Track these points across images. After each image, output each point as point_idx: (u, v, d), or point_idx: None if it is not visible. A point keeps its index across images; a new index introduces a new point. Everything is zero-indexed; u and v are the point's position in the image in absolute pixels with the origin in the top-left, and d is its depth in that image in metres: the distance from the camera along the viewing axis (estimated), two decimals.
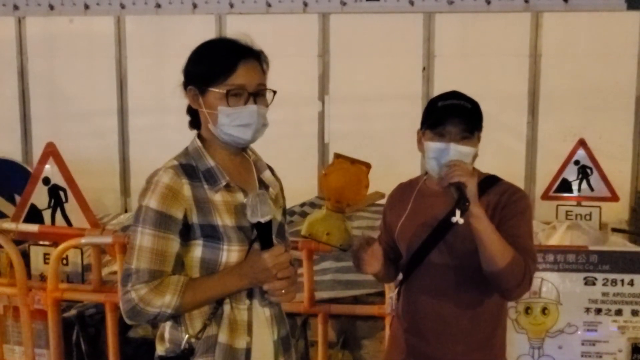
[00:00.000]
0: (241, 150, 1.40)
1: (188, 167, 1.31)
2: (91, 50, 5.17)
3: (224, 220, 1.30)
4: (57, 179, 2.98)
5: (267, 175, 1.43)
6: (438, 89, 4.67)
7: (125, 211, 5.16)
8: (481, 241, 1.37)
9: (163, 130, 5.04)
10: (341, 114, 4.97)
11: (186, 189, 1.28)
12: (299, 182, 4.53)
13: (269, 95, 1.36)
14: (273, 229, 1.34)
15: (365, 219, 3.52)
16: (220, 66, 1.30)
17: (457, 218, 1.33)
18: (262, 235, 1.30)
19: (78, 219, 2.96)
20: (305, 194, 4.44)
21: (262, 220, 1.29)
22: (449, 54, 4.79)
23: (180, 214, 1.27)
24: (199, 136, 1.37)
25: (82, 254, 2.94)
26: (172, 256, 1.27)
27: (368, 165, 1.51)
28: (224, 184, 1.32)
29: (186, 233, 1.28)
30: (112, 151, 5.22)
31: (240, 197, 1.33)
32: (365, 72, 4.90)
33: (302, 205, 4.34)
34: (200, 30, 4.89)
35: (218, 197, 1.31)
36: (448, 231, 1.48)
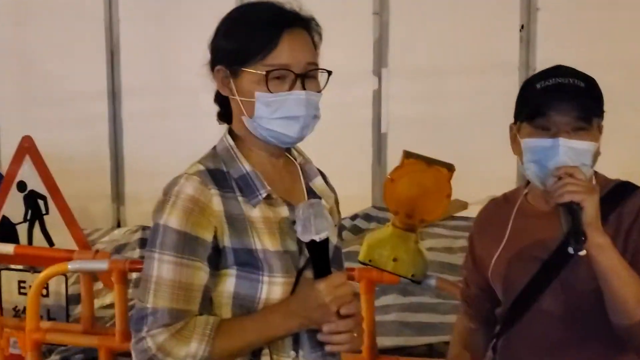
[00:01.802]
0: (285, 150, 1.41)
1: (217, 174, 1.32)
2: (73, 13, 5.32)
3: (264, 242, 1.30)
4: (35, 183, 3.09)
5: (318, 183, 1.44)
6: (542, 58, 4.56)
7: (119, 225, 5.30)
8: (607, 282, 1.32)
9: (168, 117, 5.16)
10: (404, 94, 4.95)
11: (216, 202, 1.29)
12: (348, 187, 4.47)
13: (321, 77, 1.35)
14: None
15: (441, 238, 3.49)
16: (257, 39, 1.31)
17: (576, 248, 1.28)
18: (316, 259, 1.29)
19: (61, 236, 3.06)
20: (357, 203, 4.44)
21: (317, 238, 1.28)
22: (557, 5, 4.67)
23: (209, 234, 1.28)
24: (230, 132, 1.38)
25: (66, 281, 3.04)
26: (199, 290, 1.28)
27: (451, 168, 1.50)
28: (264, 195, 1.33)
29: (216, 260, 1.29)
30: (102, 145, 5.36)
31: (284, 211, 1.34)
32: (437, 36, 4.86)
33: (354, 217, 4.34)
34: None
35: (256, 213, 1.32)
36: (564, 266, 1.40)
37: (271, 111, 1.32)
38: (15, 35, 5.39)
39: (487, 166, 4.49)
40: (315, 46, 1.36)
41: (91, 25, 5.28)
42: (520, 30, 4.69)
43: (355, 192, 4.40)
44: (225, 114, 1.40)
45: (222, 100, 1.39)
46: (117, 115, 5.35)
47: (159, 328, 1.25)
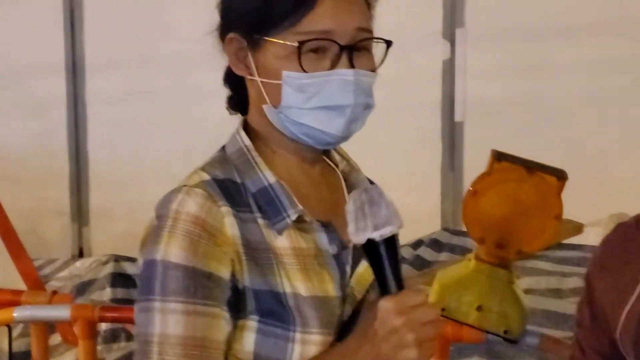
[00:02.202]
0: (323, 154, 1.44)
1: (229, 186, 1.35)
2: None
3: (295, 284, 1.33)
4: None
5: None
6: None
7: (81, 253, 5.38)
8: None
9: (147, 101, 5.23)
10: (487, 65, 4.94)
11: (229, 224, 1.31)
12: (408, 201, 4.47)
13: (377, 49, 1.37)
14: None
15: (545, 275, 3.48)
16: None
17: None
18: (378, 268, 1.29)
19: (3, 270, 3.13)
20: (421, 225, 4.45)
21: (377, 236, 1.27)
22: None
23: (226, 269, 1.31)
24: (245, 128, 1.41)
25: (9, 334, 3.10)
26: (219, 348, 1.30)
27: (561, 176, 1.50)
28: (294, 217, 1.35)
29: (235, 305, 1.31)
30: (57, 140, 5.45)
31: (321, 240, 1.37)
32: None
33: (417, 245, 4.33)
34: None
35: (283, 242, 1.34)
36: None
37: (305, 98, 1.34)
38: None
39: (611, 170, 4.47)
40: (369, 6, 1.38)
41: None
42: None
43: (418, 209, 4.40)
44: (238, 101, 1.43)
45: (234, 82, 1.42)
46: (79, 97, 5.44)
47: None
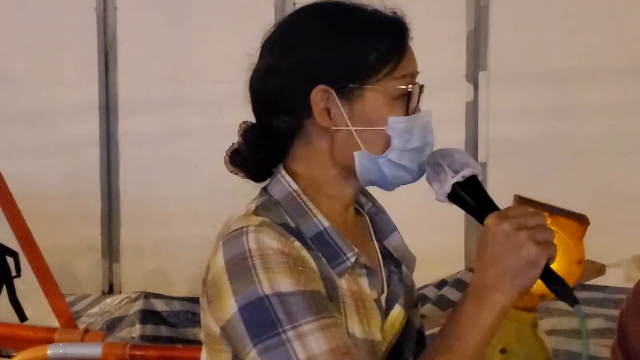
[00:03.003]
0: (356, 198, 1.48)
1: (288, 229, 1.36)
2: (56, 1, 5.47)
3: (352, 325, 1.35)
4: (1, 233, 3.16)
5: (395, 241, 1.50)
6: None
7: (111, 289, 5.40)
8: None
9: (177, 141, 5.27)
10: (510, 107, 4.94)
11: (307, 256, 1.34)
12: (433, 241, 4.47)
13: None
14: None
15: (567, 316, 3.45)
16: (384, 44, 1.37)
17: None
18: (470, 205, 1.35)
19: (36, 307, 3.12)
20: (445, 265, 4.43)
21: (459, 177, 1.34)
22: None
23: (323, 287, 1.33)
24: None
25: None
26: (356, 352, 1.31)
27: (583, 222, 1.52)
28: (352, 259, 1.37)
29: None
30: (89, 179, 5.48)
31: (365, 284, 1.40)
32: (562, 24, 4.85)
33: (441, 285, 4.29)
34: None
35: (343, 283, 1.37)
36: None
37: (405, 141, 1.38)
38: None
39: (634, 212, 4.43)
40: None
41: (78, 13, 5.41)
42: None
43: (442, 249, 4.40)
44: (272, 153, 1.43)
45: (259, 139, 1.42)
46: (112, 137, 5.46)
47: None
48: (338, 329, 1.30)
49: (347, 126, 1.38)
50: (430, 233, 4.42)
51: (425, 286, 4.10)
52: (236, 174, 1.46)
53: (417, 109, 1.40)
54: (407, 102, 1.37)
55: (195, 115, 5.22)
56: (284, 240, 1.31)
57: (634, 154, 4.58)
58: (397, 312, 1.45)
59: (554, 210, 1.53)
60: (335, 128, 1.38)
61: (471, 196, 1.35)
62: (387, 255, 1.50)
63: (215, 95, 4.93)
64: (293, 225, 1.36)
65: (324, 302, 1.30)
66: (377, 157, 1.38)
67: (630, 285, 3.53)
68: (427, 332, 1.58)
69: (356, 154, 1.38)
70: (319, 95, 1.37)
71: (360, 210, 1.52)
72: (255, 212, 1.36)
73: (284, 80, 1.39)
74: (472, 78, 4.98)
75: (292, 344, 1.26)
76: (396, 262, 1.50)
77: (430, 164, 1.36)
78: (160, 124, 5.34)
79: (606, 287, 3.37)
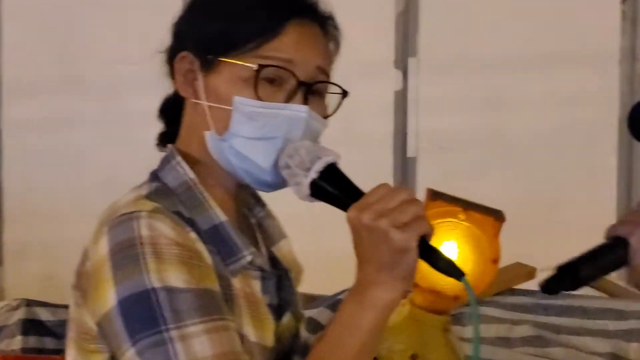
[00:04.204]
0: (251, 197, 1.52)
1: (182, 219, 1.36)
2: None
3: (247, 328, 1.38)
4: None
5: (285, 248, 1.55)
6: None
7: None
8: None
9: (69, 128, 5.15)
10: (442, 97, 4.98)
11: (202, 249, 1.35)
12: (338, 248, 4.47)
13: (331, 98, 1.44)
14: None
15: (494, 322, 3.48)
16: (255, 19, 1.37)
17: None
18: (333, 198, 1.35)
19: None
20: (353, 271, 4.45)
21: (312, 175, 1.33)
22: None
23: (217, 285, 1.34)
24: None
25: None
26: (246, 359, 1.33)
27: (499, 217, 1.54)
28: (249, 258, 1.40)
29: None
30: None
31: (258, 287, 1.43)
32: (496, 10, 4.88)
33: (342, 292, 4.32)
34: None
35: (237, 284, 1.39)
36: None
37: (254, 128, 1.37)
38: None
39: (570, 211, 4.51)
40: (330, 52, 1.45)
41: None
42: (622, 2, 4.76)
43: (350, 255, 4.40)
44: (171, 134, 1.46)
45: (173, 114, 1.46)
46: None
47: None
48: (228, 333, 1.30)
49: (201, 99, 1.39)
50: (343, 228, 4.43)
51: (345, 291, 4.10)
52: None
53: (294, 101, 1.38)
54: (270, 86, 1.37)
55: (90, 100, 5.17)
56: (179, 230, 1.31)
57: (572, 149, 4.65)
58: (288, 320, 1.49)
59: (468, 205, 1.57)
60: (194, 100, 1.40)
61: (334, 189, 1.35)
62: (276, 262, 1.53)
63: (113, 78, 4.88)
64: (187, 216, 1.37)
65: (217, 303, 1.31)
66: (219, 140, 1.37)
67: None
68: None
69: (206, 133, 1.39)
70: (181, 62, 1.40)
71: (249, 213, 1.54)
72: (148, 196, 1.36)
73: (169, 46, 1.45)
74: (401, 65, 5.03)
75: (174, 345, 1.26)
76: (284, 269, 1.53)
77: (282, 168, 1.36)
78: (50, 109, 5.25)
79: (536, 291, 3.40)
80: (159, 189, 1.39)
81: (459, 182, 4.43)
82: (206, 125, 1.38)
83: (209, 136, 1.38)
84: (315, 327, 3.70)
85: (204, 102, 1.38)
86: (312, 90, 1.39)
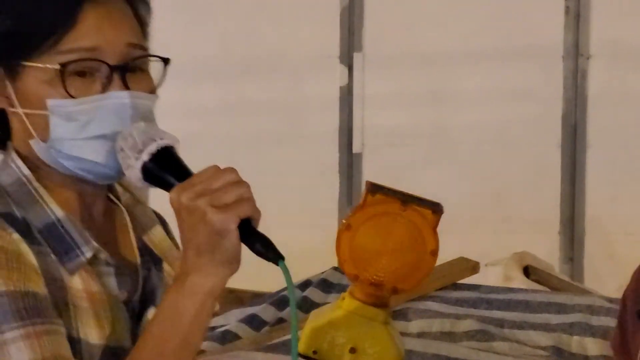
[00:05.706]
0: (106, 188, 1.42)
1: (10, 220, 1.30)
2: None
3: (87, 331, 1.32)
4: None
5: (156, 235, 1.46)
6: (598, 40, 4.69)
7: None
8: None
9: None
10: (388, 93, 5.02)
11: (26, 252, 1.28)
12: (301, 238, 4.49)
13: (155, 67, 1.37)
14: None
15: (438, 317, 3.49)
16: (44, 13, 1.29)
17: None
18: (164, 183, 1.28)
19: None
20: (314, 263, 4.43)
21: (143, 158, 1.27)
22: None
23: (44, 287, 1.28)
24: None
25: None
26: None
27: (437, 209, 1.53)
28: (89, 254, 1.33)
29: None
30: None
31: (111, 284, 1.36)
32: (442, 4, 4.94)
33: (305, 286, 4.27)
34: None
35: (77, 283, 1.33)
36: None
37: (77, 128, 1.30)
38: None
39: (515, 206, 4.55)
40: (141, 21, 1.37)
41: None
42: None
43: (313, 247, 4.38)
44: (4, 141, 1.38)
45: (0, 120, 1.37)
46: None
47: None
48: (52, 337, 1.25)
49: (17, 108, 1.32)
50: (300, 231, 4.41)
51: (285, 289, 4.09)
52: None
53: (112, 87, 1.31)
54: (82, 80, 1.29)
55: None
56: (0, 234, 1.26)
57: (516, 144, 4.69)
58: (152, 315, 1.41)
59: (406, 198, 1.54)
60: (10, 110, 1.33)
61: (166, 172, 1.28)
62: (146, 251, 1.46)
63: None
64: (19, 215, 1.31)
65: (40, 306, 1.26)
66: (46, 147, 1.31)
67: (509, 285, 3.61)
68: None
69: (31, 142, 1.32)
70: None
71: (117, 201, 1.47)
72: None
73: None
74: (347, 60, 5.03)
75: None
76: (156, 259, 1.47)
77: (117, 152, 1.29)
78: None
79: (480, 286, 3.42)
80: None
81: (404, 177, 4.44)
82: (29, 133, 1.31)
83: (35, 144, 1.31)
84: (260, 324, 3.69)
85: (20, 110, 1.31)
86: (130, 69, 1.31)
